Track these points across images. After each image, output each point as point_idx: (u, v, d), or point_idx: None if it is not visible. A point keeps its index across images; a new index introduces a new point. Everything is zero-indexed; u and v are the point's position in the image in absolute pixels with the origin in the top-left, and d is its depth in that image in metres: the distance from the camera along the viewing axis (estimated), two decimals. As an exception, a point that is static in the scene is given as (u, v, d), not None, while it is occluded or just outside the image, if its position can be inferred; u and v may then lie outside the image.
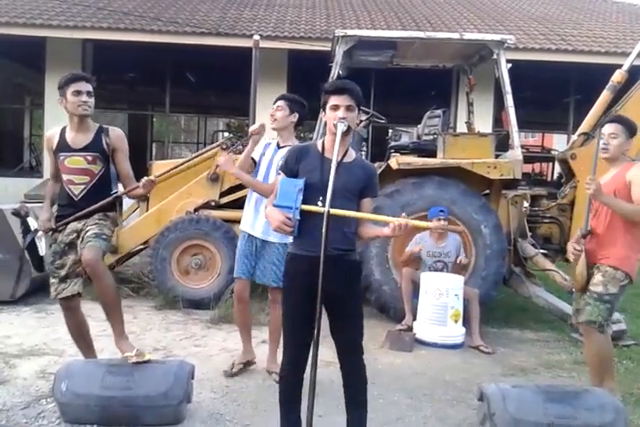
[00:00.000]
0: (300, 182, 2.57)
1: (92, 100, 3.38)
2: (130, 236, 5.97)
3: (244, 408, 3.40)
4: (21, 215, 3.88)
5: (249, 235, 3.86)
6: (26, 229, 3.70)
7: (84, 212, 3.38)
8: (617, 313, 4.96)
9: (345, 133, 2.60)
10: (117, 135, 3.50)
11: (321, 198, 2.47)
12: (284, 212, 2.53)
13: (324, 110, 2.71)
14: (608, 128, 3.44)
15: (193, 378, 3.25)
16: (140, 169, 6.74)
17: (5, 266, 5.32)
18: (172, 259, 5.69)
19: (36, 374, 3.74)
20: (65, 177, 3.44)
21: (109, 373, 3.07)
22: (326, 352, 3.83)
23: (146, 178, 3.44)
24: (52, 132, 3.51)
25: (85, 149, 3.41)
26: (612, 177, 3.42)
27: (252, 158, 3.89)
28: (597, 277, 3.33)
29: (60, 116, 3.53)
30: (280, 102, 3.80)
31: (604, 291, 3.28)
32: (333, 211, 2.44)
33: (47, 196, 3.61)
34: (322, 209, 2.43)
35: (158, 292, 5.69)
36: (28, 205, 5.20)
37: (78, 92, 3.34)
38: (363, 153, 8.94)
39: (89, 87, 3.37)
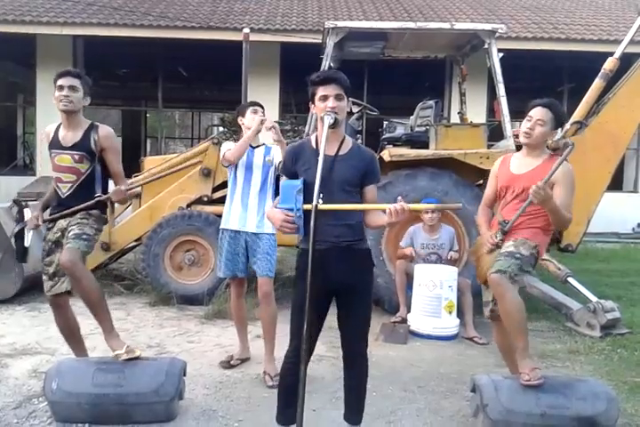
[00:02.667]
0: (299, 183, 2.56)
1: (75, 95, 3.32)
2: (122, 233, 5.93)
3: (237, 404, 3.38)
4: (20, 204, 3.92)
5: (235, 233, 3.85)
6: (20, 217, 3.75)
7: (67, 211, 3.38)
8: (611, 301, 4.97)
9: (333, 126, 2.57)
10: (106, 134, 3.43)
11: (322, 195, 2.47)
12: (284, 211, 2.53)
13: (313, 102, 2.68)
14: (538, 112, 3.18)
15: (185, 375, 3.23)
16: (134, 165, 6.73)
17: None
18: (165, 255, 5.66)
19: (28, 374, 3.72)
20: (55, 174, 3.45)
21: (100, 370, 3.05)
22: (319, 346, 3.82)
23: (115, 188, 3.42)
24: (49, 128, 3.50)
25: (73, 147, 3.38)
26: (533, 171, 3.20)
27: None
28: (508, 244, 3.17)
29: (52, 113, 3.52)
30: (258, 108, 3.97)
31: (515, 250, 3.12)
32: (322, 206, 2.46)
33: (45, 195, 3.62)
34: (325, 206, 2.46)
35: (152, 288, 5.67)
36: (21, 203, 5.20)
37: (61, 87, 3.30)
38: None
39: (73, 82, 3.32)
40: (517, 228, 3.21)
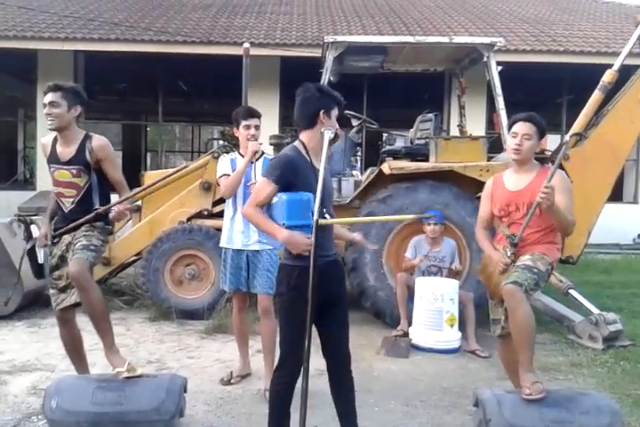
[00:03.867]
0: (311, 199, 2.53)
1: (57, 111, 3.29)
2: (122, 247, 5.93)
3: (238, 420, 3.36)
4: (26, 222, 3.97)
5: (237, 250, 3.84)
6: (29, 235, 3.78)
7: (71, 226, 3.37)
8: (612, 313, 4.95)
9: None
10: (100, 145, 3.40)
11: (325, 211, 2.53)
12: (303, 233, 2.51)
13: (330, 117, 2.69)
14: (522, 127, 3.19)
15: (185, 392, 3.19)
16: (135, 179, 6.74)
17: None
18: (165, 269, 5.65)
19: (28, 391, 3.70)
20: (55, 189, 3.44)
21: (100, 388, 3.02)
22: (320, 361, 3.80)
23: (118, 209, 3.29)
24: (45, 140, 3.50)
25: (70, 162, 3.37)
26: (529, 185, 3.19)
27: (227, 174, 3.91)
28: (525, 257, 3.12)
29: (53, 128, 3.51)
30: (258, 122, 3.87)
31: (532, 264, 3.07)
32: (324, 221, 2.50)
33: (48, 208, 3.59)
34: (329, 221, 2.54)
35: (152, 303, 5.65)
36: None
37: (44, 105, 3.31)
38: (358, 158, 8.95)
39: (52, 97, 3.30)
40: (531, 243, 3.16)
